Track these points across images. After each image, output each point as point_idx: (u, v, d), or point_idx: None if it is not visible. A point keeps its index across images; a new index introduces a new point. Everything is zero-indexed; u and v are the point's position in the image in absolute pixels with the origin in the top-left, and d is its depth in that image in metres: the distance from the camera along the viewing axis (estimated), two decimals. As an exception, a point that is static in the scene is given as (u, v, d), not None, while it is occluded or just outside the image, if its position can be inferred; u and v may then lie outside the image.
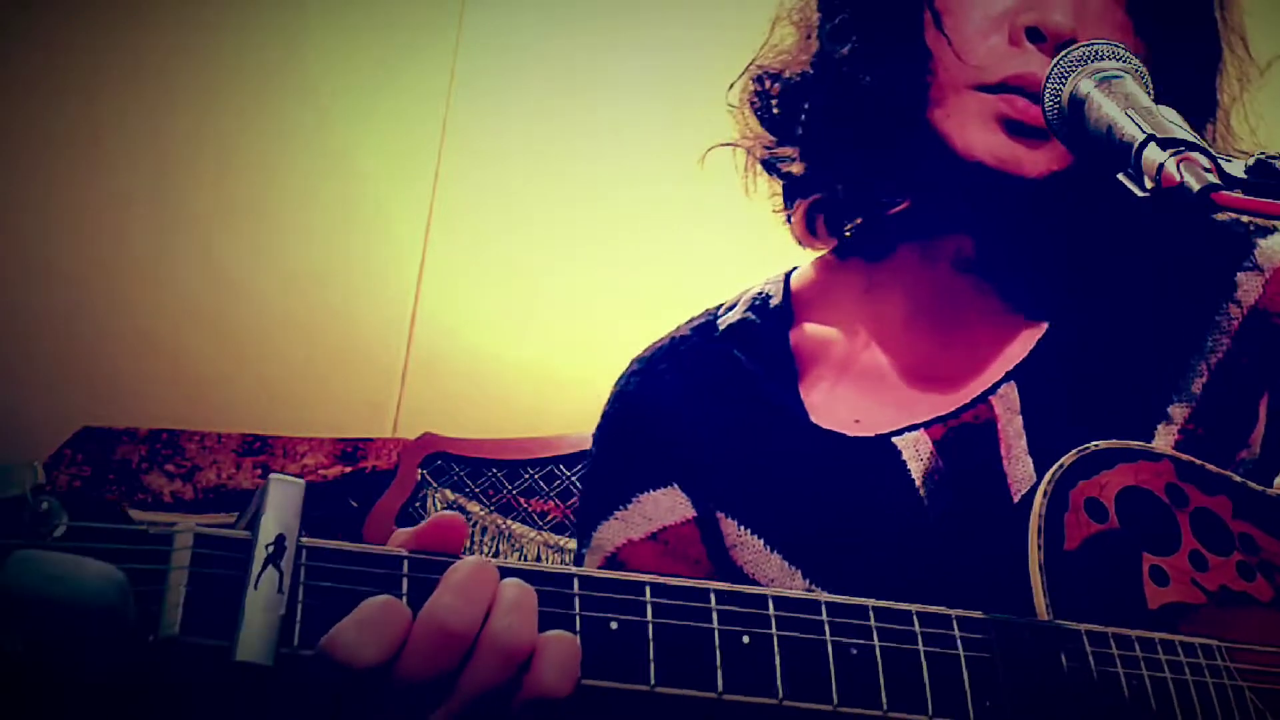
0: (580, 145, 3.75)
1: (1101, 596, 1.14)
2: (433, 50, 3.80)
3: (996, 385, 1.40)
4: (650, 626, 0.96)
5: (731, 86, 1.53)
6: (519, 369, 3.65)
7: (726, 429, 1.45)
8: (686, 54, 3.54)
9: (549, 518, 3.34)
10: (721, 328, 1.52)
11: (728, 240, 3.05)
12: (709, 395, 1.47)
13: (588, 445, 3.32)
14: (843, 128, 1.41)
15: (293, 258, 3.71)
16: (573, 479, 3.36)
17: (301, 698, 0.89)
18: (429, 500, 3.33)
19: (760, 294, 1.55)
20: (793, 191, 1.51)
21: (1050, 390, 1.39)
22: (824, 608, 1.01)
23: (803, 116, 1.45)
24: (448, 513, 0.97)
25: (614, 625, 0.95)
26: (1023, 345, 1.43)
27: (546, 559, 3.32)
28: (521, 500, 3.35)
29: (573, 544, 3.37)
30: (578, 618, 0.95)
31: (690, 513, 1.43)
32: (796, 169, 1.48)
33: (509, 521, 3.33)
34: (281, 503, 0.91)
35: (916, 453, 1.38)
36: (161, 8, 3.79)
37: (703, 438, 1.45)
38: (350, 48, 3.80)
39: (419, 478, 3.33)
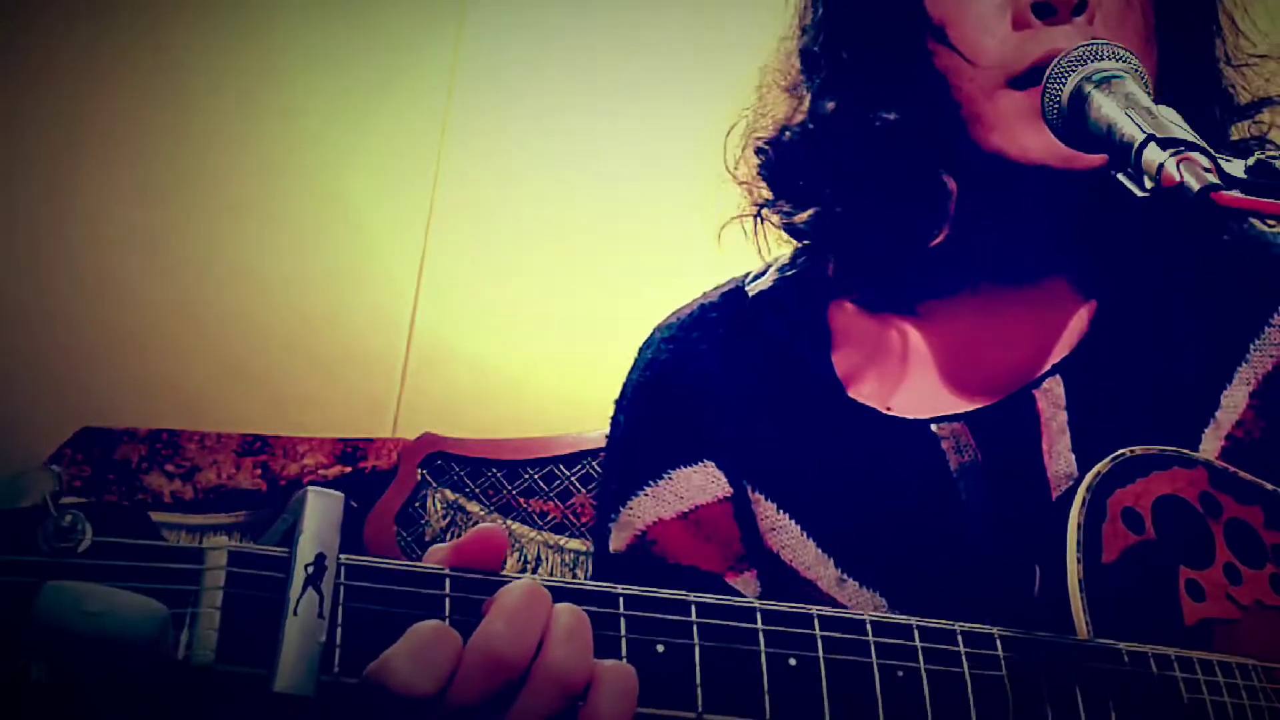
0: (581, 146, 3.74)
1: (1139, 611, 1.14)
2: (433, 50, 3.79)
3: (1041, 379, 1.37)
4: (697, 649, 0.93)
5: (736, 165, 1.51)
6: (519, 369, 3.64)
7: (763, 402, 1.42)
8: (690, 55, 3.54)
9: (549, 518, 3.34)
10: (751, 294, 1.49)
11: (732, 240, 3.05)
12: (744, 366, 1.44)
13: (587, 445, 3.36)
14: (869, 175, 1.38)
15: (292, 258, 3.70)
16: (573, 479, 3.36)
17: None
18: (429, 500, 3.33)
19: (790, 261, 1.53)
20: (820, 248, 1.47)
21: (1096, 388, 1.37)
22: (869, 626, 0.99)
23: (824, 174, 1.42)
24: (488, 525, 0.94)
25: (660, 648, 0.92)
26: (1070, 337, 1.41)
27: (546, 559, 3.32)
28: (521, 500, 3.35)
29: (573, 544, 3.36)
30: (623, 640, 0.92)
31: (724, 491, 1.40)
32: (816, 226, 1.45)
33: (509, 521, 3.33)
34: (321, 518, 0.86)
35: (955, 443, 1.35)
36: (166, 6, 3.78)
37: (739, 412, 1.42)
38: (351, 48, 3.79)
39: (419, 478, 3.33)
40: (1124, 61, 1.13)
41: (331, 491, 0.88)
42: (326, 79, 3.77)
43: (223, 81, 3.75)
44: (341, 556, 0.87)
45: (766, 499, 1.38)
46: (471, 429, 3.43)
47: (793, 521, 1.37)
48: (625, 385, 1.51)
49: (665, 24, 3.74)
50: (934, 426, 1.37)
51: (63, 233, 3.65)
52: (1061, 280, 1.43)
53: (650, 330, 1.56)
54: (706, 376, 1.44)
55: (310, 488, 0.88)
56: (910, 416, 1.38)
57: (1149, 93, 1.10)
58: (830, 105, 1.40)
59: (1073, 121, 1.13)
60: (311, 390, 3.60)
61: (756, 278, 1.51)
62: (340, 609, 0.86)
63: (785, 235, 1.48)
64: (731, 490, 1.40)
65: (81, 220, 3.66)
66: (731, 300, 1.50)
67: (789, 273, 1.50)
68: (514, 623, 0.87)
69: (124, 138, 3.71)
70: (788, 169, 1.45)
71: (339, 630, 0.85)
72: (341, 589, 0.86)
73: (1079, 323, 1.42)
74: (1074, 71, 1.14)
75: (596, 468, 3.24)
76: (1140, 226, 1.38)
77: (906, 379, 1.41)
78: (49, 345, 3.57)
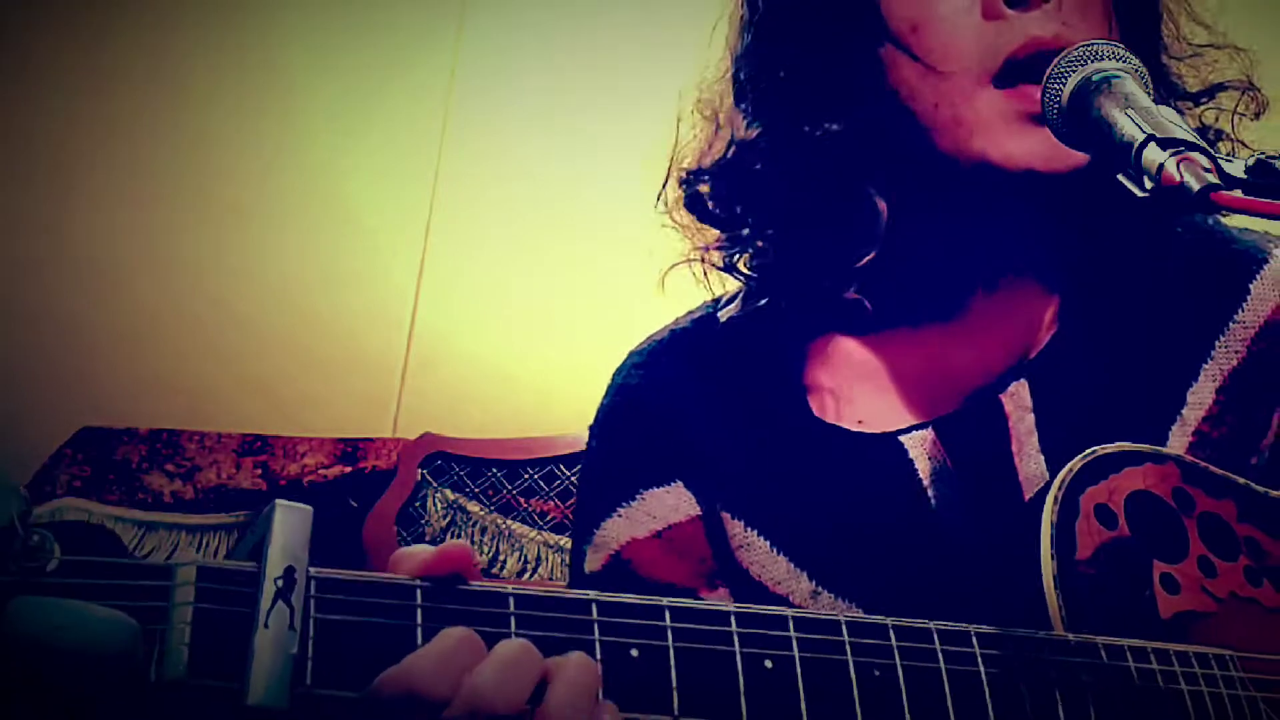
0: (581, 146, 3.74)
1: (1115, 606, 1.13)
2: (433, 51, 3.80)
3: (1007, 383, 1.37)
4: (672, 652, 0.93)
5: (667, 206, 1.49)
6: (519, 369, 3.65)
7: (732, 424, 1.42)
8: (689, 55, 3.53)
9: (549, 517, 3.34)
10: (722, 319, 1.49)
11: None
12: (713, 389, 1.44)
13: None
14: (806, 199, 1.37)
15: (293, 258, 3.71)
16: (572, 479, 3.36)
17: None
18: (429, 500, 3.33)
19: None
20: (764, 286, 1.46)
21: (1062, 389, 1.36)
22: (845, 627, 0.99)
23: (761, 203, 1.41)
24: (451, 543, 0.93)
25: (635, 652, 0.92)
26: (1038, 338, 1.40)
27: (546, 559, 3.32)
28: (521, 500, 3.35)
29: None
30: (597, 644, 0.92)
31: (695, 511, 1.40)
32: (760, 259, 1.43)
33: (509, 521, 3.34)
34: (289, 531, 0.86)
35: (924, 451, 1.35)
36: (168, 8, 3.79)
37: (708, 433, 1.42)
38: (352, 48, 3.80)
39: (419, 477, 3.34)
40: (1124, 61, 1.12)
41: (299, 505, 0.88)
42: (326, 79, 3.78)
43: (223, 83, 3.76)
44: (311, 569, 0.87)
45: (734, 517, 1.39)
46: (471, 429, 3.43)
47: (762, 539, 1.37)
48: (599, 410, 1.52)
49: (665, 24, 3.73)
50: (901, 437, 1.37)
51: (63, 233, 3.66)
52: (1029, 281, 1.43)
53: (646, 332, 1.56)
54: (677, 399, 1.44)
55: (278, 501, 0.88)
56: (878, 430, 1.38)
57: (1148, 92, 1.10)
58: (758, 131, 1.39)
59: (1073, 121, 1.13)
60: (311, 390, 3.61)
61: (727, 303, 1.51)
62: (311, 621, 0.86)
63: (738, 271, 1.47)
64: (701, 510, 1.41)
65: (81, 221, 3.67)
66: (703, 325, 1.50)
67: (758, 299, 1.49)
68: (505, 674, 0.87)
69: (125, 139, 3.72)
70: (724, 202, 1.44)
71: (310, 643, 0.85)
72: (312, 601, 0.86)
73: (1047, 324, 1.42)
74: (1074, 71, 1.13)
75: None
76: (1108, 226, 1.37)
77: (873, 394, 1.42)
78: (49, 345, 3.58)
